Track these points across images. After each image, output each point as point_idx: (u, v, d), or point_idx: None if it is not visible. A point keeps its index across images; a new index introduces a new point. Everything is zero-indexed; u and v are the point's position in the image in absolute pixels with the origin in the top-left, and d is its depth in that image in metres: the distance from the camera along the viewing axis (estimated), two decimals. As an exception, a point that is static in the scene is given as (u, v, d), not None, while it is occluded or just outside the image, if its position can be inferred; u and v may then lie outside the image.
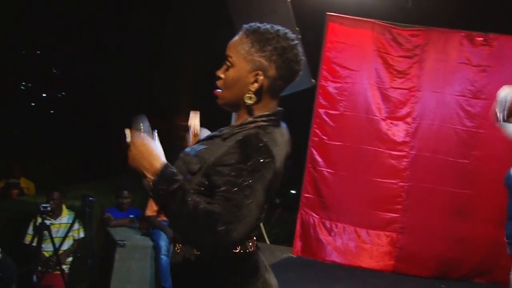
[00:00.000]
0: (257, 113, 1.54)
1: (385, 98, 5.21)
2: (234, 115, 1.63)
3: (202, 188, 1.45)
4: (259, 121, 1.52)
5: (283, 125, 1.61)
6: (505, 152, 5.01)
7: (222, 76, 1.56)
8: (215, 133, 1.60)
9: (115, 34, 9.47)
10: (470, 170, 5.11)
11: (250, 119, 1.53)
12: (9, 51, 9.31)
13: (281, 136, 1.55)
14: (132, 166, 1.42)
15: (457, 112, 5.14)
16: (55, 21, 9.28)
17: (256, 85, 1.51)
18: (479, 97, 5.10)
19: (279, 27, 1.56)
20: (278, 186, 1.52)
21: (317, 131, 5.23)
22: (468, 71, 5.11)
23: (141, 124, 1.48)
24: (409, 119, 5.20)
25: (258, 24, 1.55)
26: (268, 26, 1.55)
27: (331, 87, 5.22)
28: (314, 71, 4.93)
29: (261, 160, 1.39)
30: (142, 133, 1.45)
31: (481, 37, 5.07)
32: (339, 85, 5.22)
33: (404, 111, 5.22)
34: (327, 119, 5.22)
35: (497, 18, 5.36)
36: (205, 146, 1.54)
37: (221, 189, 1.37)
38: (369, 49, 5.16)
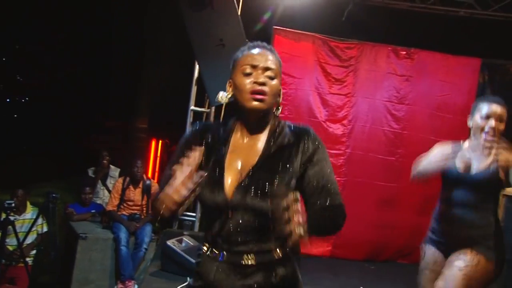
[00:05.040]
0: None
1: (325, 102, 5.38)
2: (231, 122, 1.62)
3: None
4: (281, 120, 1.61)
5: None
6: (423, 150, 5.30)
7: (268, 83, 1.52)
8: (272, 148, 1.55)
9: (76, 40, 9.22)
10: (396, 166, 5.39)
11: (278, 120, 1.60)
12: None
13: None
14: None
15: (385, 116, 5.41)
16: (20, 28, 8.92)
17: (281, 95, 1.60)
18: (403, 102, 5.40)
19: None
20: None
21: (263, 132, 5.31)
22: (394, 80, 5.40)
23: None
24: (345, 121, 5.41)
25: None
26: None
27: (276, 92, 5.32)
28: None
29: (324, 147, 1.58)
30: None
31: (404, 51, 5.38)
32: (284, 91, 5.25)
33: (341, 114, 5.42)
34: (272, 121, 5.31)
35: (418, 35, 5.65)
36: (277, 160, 1.53)
37: (319, 183, 1.52)
38: (310, 59, 5.33)
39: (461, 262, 2.41)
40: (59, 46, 9.50)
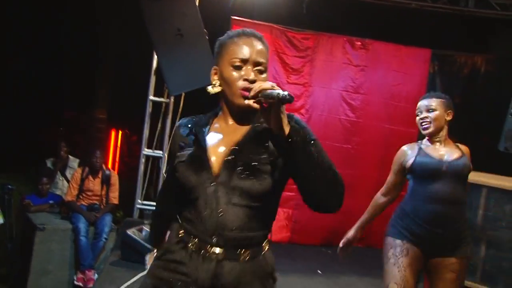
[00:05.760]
0: None
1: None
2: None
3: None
4: None
5: None
6: (378, 137, 5.50)
7: (259, 78, 1.43)
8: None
9: (33, 29, 8.93)
10: (352, 153, 5.55)
11: None
12: None
13: None
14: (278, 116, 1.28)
15: (341, 105, 5.54)
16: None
17: None
18: (358, 92, 5.54)
19: None
20: None
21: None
22: (349, 70, 5.53)
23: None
24: (303, 111, 5.50)
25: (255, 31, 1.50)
26: None
27: (235, 82, 5.36)
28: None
29: None
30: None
31: (360, 42, 5.52)
32: (242, 80, 5.37)
33: (299, 103, 5.50)
34: (232, 111, 5.36)
35: (372, 26, 5.80)
36: (263, 138, 1.44)
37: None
38: (269, 49, 5.34)
39: (453, 275, 2.50)
40: (14, 36, 9.17)
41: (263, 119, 1.39)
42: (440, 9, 5.44)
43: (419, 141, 2.70)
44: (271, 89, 1.27)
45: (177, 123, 1.62)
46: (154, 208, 1.85)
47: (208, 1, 5.07)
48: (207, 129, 1.51)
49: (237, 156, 1.41)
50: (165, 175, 1.65)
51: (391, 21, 5.68)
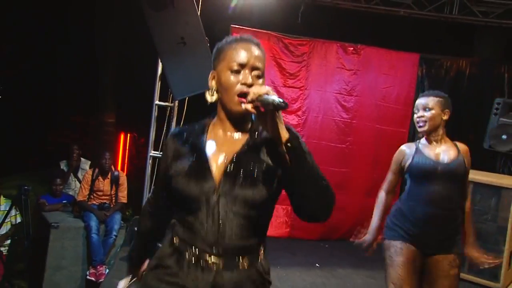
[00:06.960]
0: None
1: (280, 95, 5.44)
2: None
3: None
4: None
5: None
6: (370, 137, 5.61)
7: (256, 83, 1.39)
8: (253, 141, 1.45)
9: (43, 33, 9.04)
10: (346, 152, 5.68)
11: None
12: None
13: None
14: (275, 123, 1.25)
15: (336, 107, 5.67)
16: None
17: None
18: (351, 94, 5.67)
19: None
20: None
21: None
22: (343, 74, 5.66)
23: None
24: (299, 113, 5.63)
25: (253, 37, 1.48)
26: None
27: (235, 87, 5.46)
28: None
29: None
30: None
31: (352, 47, 5.65)
32: (242, 85, 5.47)
33: (295, 106, 5.63)
34: (232, 114, 5.46)
35: (363, 32, 5.91)
36: (262, 148, 1.42)
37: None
38: (266, 55, 5.43)
39: (456, 270, 2.53)
40: (24, 40, 9.28)
41: (261, 126, 1.38)
42: (427, 16, 5.58)
43: (417, 140, 2.65)
44: (267, 94, 1.24)
45: (169, 135, 1.54)
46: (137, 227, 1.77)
47: (209, 10, 5.19)
48: (204, 137, 1.46)
49: (237, 166, 1.38)
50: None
51: (381, 27, 5.80)
